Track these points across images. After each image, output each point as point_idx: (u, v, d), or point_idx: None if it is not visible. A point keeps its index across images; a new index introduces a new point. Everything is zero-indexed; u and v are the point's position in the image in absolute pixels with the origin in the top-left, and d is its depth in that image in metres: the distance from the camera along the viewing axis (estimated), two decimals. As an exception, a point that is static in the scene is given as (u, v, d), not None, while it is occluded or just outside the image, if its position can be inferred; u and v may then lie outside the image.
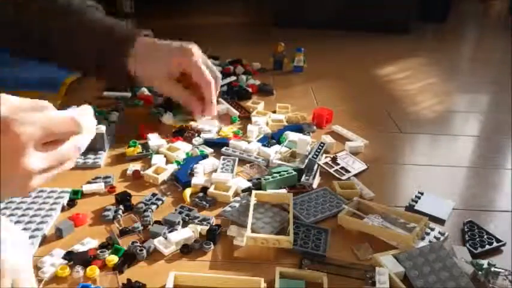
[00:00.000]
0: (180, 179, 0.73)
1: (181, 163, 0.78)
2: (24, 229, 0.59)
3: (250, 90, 1.13)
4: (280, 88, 1.19)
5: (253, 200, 0.65)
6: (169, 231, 0.60)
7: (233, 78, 1.21)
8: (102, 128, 0.80)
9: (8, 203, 0.64)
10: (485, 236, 0.63)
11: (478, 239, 0.63)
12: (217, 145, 0.84)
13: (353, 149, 0.86)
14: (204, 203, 0.68)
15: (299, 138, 0.83)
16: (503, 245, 0.62)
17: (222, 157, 0.81)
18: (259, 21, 2.21)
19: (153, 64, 0.76)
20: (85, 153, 0.79)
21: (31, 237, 0.58)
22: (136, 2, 2.16)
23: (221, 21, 2.19)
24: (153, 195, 0.69)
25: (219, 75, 0.83)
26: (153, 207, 0.66)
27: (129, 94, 1.07)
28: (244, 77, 1.21)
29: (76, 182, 0.71)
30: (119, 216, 0.64)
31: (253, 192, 0.67)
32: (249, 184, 0.72)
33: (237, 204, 0.67)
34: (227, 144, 0.84)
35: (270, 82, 1.23)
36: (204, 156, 0.80)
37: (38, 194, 0.67)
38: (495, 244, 0.62)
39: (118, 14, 2.10)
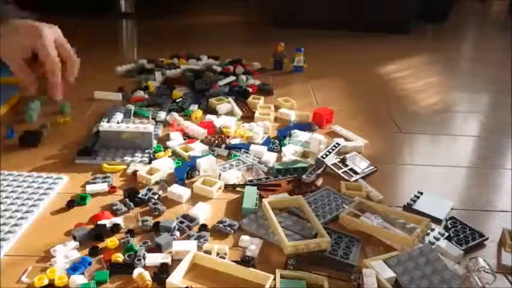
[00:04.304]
0: (178, 175, 0.74)
1: (183, 162, 0.78)
2: (22, 204, 0.64)
3: (250, 90, 1.13)
4: (280, 88, 1.19)
5: (270, 210, 0.63)
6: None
7: (233, 78, 1.21)
8: (150, 128, 0.80)
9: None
10: (468, 232, 0.64)
11: (462, 235, 0.63)
12: (237, 149, 0.83)
13: (353, 149, 0.86)
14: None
15: (310, 137, 0.84)
16: (486, 239, 0.63)
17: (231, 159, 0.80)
18: (259, 21, 2.21)
19: (8, 43, 0.69)
20: (133, 152, 0.79)
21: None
22: (137, 2, 2.16)
23: (221, 21, 2.20)
24: (149, 190, 0.70)
25: (76, 59, 0.74)
26: (155, 197, 0.68)
27: (119, 94, 1.06)
28: (244, 77, 1.21)
29: (75, 183, 0.72)
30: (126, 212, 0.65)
31: (264, 201, 0.65)
32: (236, 181, 0.73)
33: (252, 216, 0.65)
34: (247, 150, 0.83)
35: (270, 82, 1.24)
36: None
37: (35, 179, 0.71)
38: (478, 239, 0.62)
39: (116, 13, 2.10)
